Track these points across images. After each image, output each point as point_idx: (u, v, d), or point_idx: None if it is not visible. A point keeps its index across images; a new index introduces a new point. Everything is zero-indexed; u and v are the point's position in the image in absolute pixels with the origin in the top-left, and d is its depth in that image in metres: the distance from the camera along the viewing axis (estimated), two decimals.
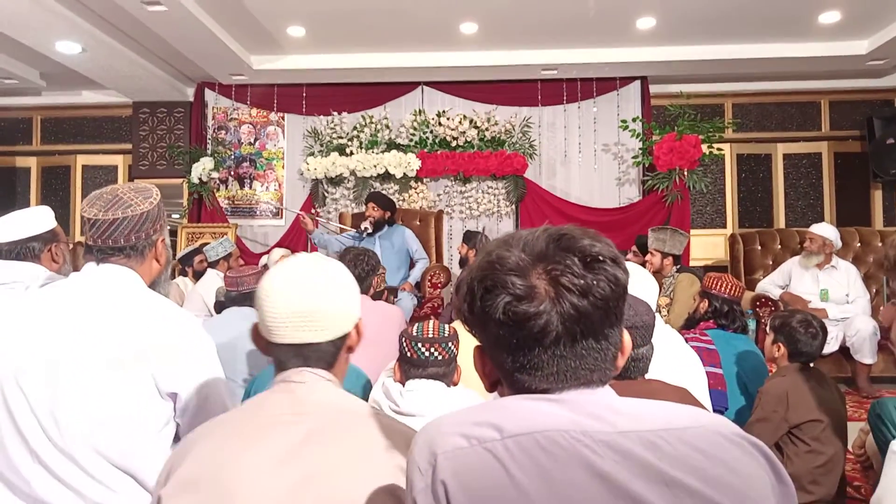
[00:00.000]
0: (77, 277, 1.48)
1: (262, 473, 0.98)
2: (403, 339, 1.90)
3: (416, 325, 1.92)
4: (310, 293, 1.09)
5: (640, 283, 2.18)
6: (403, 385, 1.89)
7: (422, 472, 0.79)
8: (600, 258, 0.82)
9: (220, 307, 3.45)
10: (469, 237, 4.95)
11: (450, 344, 1.88)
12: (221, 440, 1.03)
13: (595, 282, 0.81)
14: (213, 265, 4.93)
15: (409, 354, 1.87)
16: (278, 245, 6.29)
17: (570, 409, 0.81)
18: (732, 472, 0.77)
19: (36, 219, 2.10)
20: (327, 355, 1.12)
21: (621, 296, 0.84)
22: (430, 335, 1.87)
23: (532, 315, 0.80)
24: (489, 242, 0.91)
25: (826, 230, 4.70)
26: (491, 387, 0.92)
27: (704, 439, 0.79)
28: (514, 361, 0.83)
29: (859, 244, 5.48)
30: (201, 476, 0.99)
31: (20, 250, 2.05)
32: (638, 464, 0.76)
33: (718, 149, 5.96)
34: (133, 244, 1.47)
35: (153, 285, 1.53)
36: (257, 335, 1.15)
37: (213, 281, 4.49)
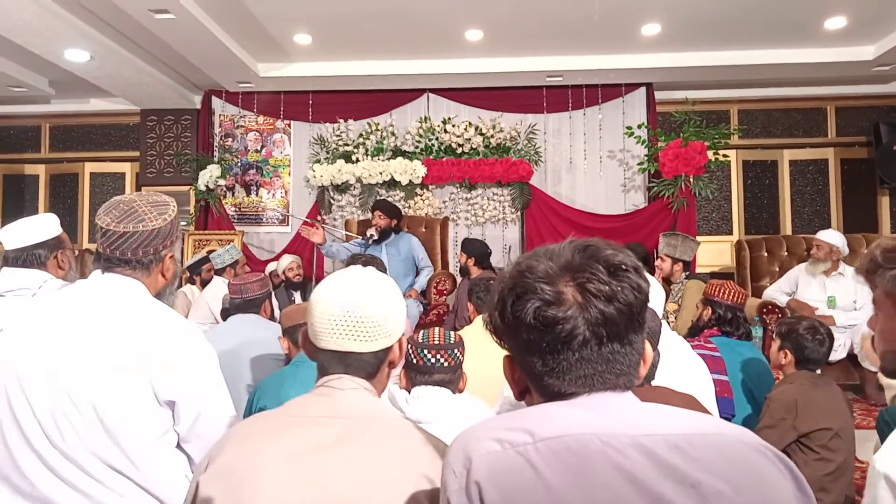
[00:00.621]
0: (82, 285, 1.49)
1: (290, 467, 1.02)
2: (409, 346, 1.90)
3: (422, 331, 1.92)
4: (360, 300, 1.14)
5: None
6: (409, 392, 1.89)
7: (456, 475, 0.82)
8: (623, 267, 0.87)
9: (226, 314, 3.45)
10: (468, 245, 4.95)
11: (456, 350, 1.88)
12: (257, 434, 1.08)
13: (619, 288, 0.85)
14: (219, 272, 4.93)
15: (415, 361, 1.87)
16: (285, 252, 6.32)
17: (598, 413, 0.84)
18: (757, 479, 0.80)
19: (42, 226, 2.11)
20: (368, 366, 1.16)
21: (644, 303, 0.88)
22: (437, 342, 1.88)
23: (560, 319, 0.84)
24: (519, 256, 0.97)
25: (833, 237, 4.68)
26: (520, 395, 0.96)
27: (729, 446, 0.81)
28: (544, 365, 0.87)
29: (866, 251, 5.45)
30: (234, 465, 1.05)
31: (26, 257, 2.06)
32: (665, 466, 0.78)
33: (724, 155, 5.95)
34: (140, 258, 1.48)
35: (157, 297, 1.54)
36: (306, 339, 1.20)
37: (220, 288, 4.49)
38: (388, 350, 1.19)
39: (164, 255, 1.53)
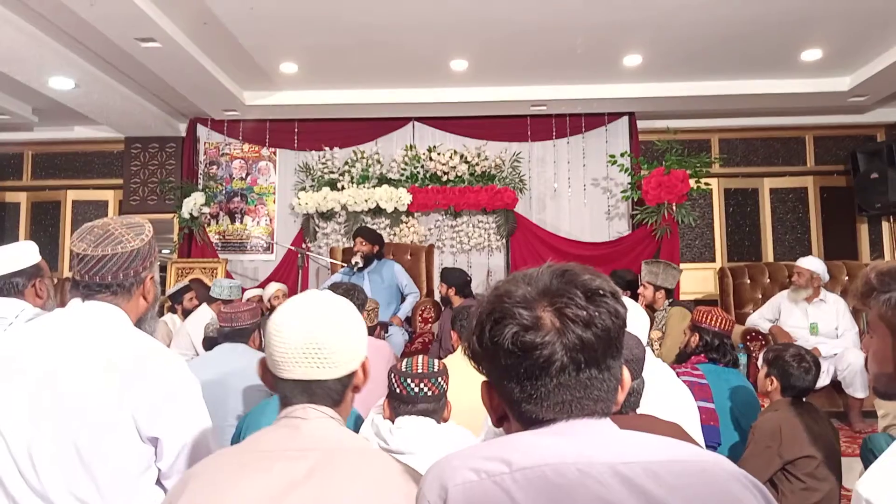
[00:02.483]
0: (61, 314, 1.44)
1: None
2: (392, 375, 1.88)
3: (406, 360, 1.90)
4: (320, 327, 1.11)
5: (632, 317, 2.17)
6: (393, 422, 1.86)
7: None
8: (601, 292, 0.87)
9: (210, 343, 3.40)
10: (447, 275, 4.93)
11: (439, 379, 1.86)
12: (222, 473, 1.03)
13: (597, 314, 0.85)
14: (209, 301, 4.83)
15: (398, 391, 1.85)
16: (269, 280, 6.28)
17: (576, 441, 0.83)
18: None
19: (20, 254, 2.07)
20: (334, 393, 1.13)
21: (621, 328, 0.88)
22: (420, 370, 1.85)
23: (538, 345, 0.83)
24: (497, 281, 0.95)
25: (813, 263, 4.73)
26: (497, 422, 0.94)
27: (706, 473, 0.81)
28: (522, 391, 0.86)
29: (847, 277, 5.51)
30: None
31: (3, 286, 2.02)
32: (643, 493, 0.78)
33: (706, 183, 6.03)
34: (120, 282, 1.43)
35: (139, 323, 1.50)
36: (265, 370, 1.16)
37: (204, 318, 4.41)
38: (352, 375, 1.16)
39: (145, 277, 1.49)
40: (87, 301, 1.43)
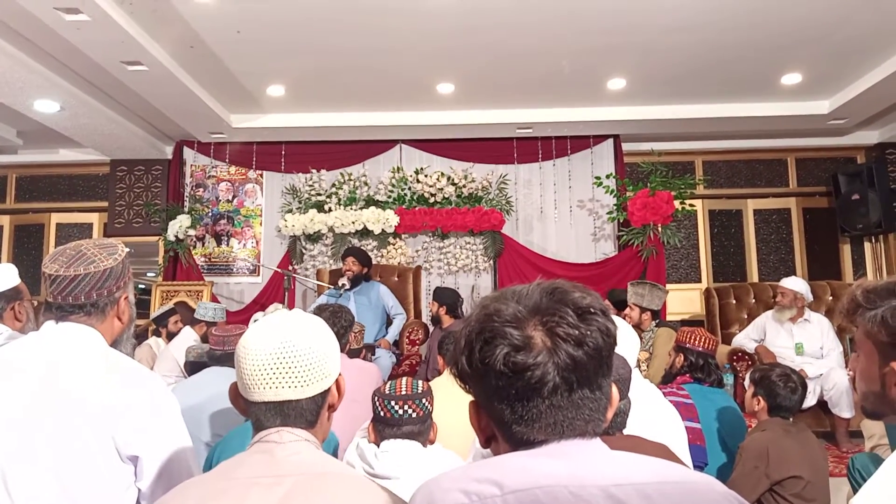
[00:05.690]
0: (35, 336, 1.42)
1: None
2: (376, 398, 1.86)
3: (389, 382, 1.89)
4: (289, 343, 1.08)
5: (622, 337, 2.17)
6: (378, 446, 1.84)
7: None
8: (591, 310, 0.85)
9: (193, 367, 3.36)
10: (439, 294, 4.93)
11: (423, 400, 1.85)
12: (197, 501, 0.99)
13: (588, 332, 0.83)
14: (192, 323, 4.78)
15: (382, 414, 1.83)
16: (255, 302, 6.24)
17: (568, 463, 0.82)
18: None
19: None
20: (308, 413, 1.09)
21: (612, 346, 0.86)
22: (403, 392, 1.84)
23: (530, 366, 0.81)
24: (484, 297, 0.93)
25: (796, 284, 4.76)
26: (485, 442, 0.93)
27: (697, 494, 0.80)
28: (513, 413, 0.84)
29: (831, 297, 5.56)
30: None
31: None
32: None
33: (690, 205, 6.09)
34: (94, 301, 1.41)
35: (114, 344, 1.47)
36: (235, 395, 1.13)
37: (188, 340, 4.38)
38: (325, 393, 1.12)
39: (119, 297, 1.47)
40: (61, 323, 1.41)
